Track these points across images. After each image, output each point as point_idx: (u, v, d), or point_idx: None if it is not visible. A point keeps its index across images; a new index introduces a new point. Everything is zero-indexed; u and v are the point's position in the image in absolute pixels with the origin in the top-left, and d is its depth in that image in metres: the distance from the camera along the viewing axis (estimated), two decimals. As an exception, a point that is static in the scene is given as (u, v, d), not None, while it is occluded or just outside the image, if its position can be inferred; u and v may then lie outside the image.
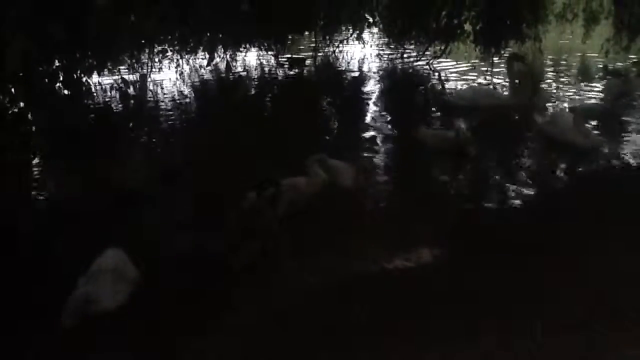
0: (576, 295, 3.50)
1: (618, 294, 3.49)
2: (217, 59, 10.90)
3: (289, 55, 11.39)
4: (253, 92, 9.86)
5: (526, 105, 7.57)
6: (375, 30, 12.98)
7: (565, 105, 7.91)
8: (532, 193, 5.33)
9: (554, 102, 8.27)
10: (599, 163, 6.03)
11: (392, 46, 12.12)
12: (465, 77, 10.02)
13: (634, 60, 10.35)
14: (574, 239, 4.25)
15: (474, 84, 9.23)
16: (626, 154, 6.17)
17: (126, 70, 9.56)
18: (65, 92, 6.20)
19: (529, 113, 7.14)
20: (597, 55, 10.70)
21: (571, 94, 8.74)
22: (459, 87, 9.22)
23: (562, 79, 9.87)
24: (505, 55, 9.66)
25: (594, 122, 6.90)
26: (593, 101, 8.31)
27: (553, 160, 6.20)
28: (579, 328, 3.16)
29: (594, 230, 4.37)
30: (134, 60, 9.38)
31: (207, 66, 10.68)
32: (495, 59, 10.10)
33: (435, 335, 3.21)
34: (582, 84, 9.30)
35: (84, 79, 6.89)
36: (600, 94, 8.70)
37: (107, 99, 8.83)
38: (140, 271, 3.79)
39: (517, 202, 5.17)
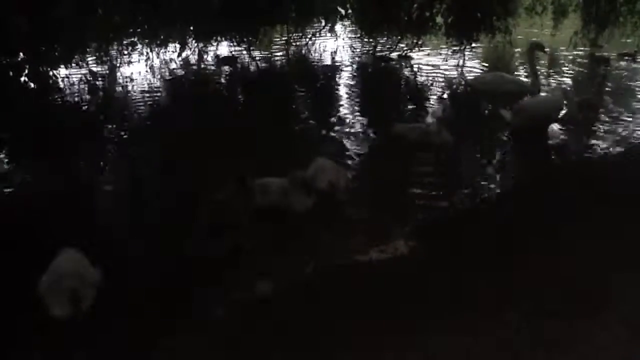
0: (545, 289, 3.53)
1: (586, 286, 3.53)
2: (188, 52, 10.74)
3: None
4: (221, 86, 9.69)
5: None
6: (347, 22, 12.95)
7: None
8: (504, 188, 5.37)
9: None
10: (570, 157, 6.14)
11: (364, 39, 12.10)
12: (437, 69, 10.07)
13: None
14: (544, 235, 4.28)
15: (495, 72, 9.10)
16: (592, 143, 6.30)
17: (94, 64, 9.36)
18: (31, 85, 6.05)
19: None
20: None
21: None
22: (431, 79, 9.29)
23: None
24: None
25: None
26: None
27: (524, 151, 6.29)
28: (549, 318, 3.19)
29: (563, 226, 4.39)
30: (102, 53, 9.19)
31: (177, 57, 10.53)
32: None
33: (406, 332, 3.19)
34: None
35: (50, 72, 6.73)
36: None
37: (74, 92, 8.60)
38: (102, 272, 3.61)
39: (491, 196, 5.20)
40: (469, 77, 9.04)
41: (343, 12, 11.76)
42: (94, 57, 9.40)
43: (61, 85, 8.49)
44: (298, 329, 3.29)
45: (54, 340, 3.25)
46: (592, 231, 4.23)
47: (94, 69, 9.10)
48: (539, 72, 7.65)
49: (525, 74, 7.82)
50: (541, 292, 3.49)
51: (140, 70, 9.96)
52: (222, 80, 9.82)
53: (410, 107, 8.02)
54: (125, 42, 9.51)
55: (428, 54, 11.10)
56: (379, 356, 3.02)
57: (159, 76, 9.86)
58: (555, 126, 6.71)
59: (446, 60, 10.51)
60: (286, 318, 3.42)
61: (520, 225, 4.50)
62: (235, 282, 3.86)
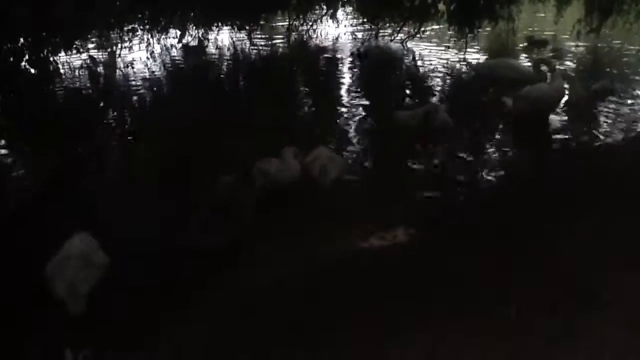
0: (546, 278, 3.52)
1: (587, 277, 3.53)
2: (189, 38, 10.72)
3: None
4: (220, 74, 9.65)
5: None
6: (349, 9, 12.89)
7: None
8: (505, 177, 5.36)
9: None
10: (571, 146, 6.12)
11: (366, 25, 12.05)
12: (439, 56, 10.04)
13: None
14: (545, 222, 4.27)
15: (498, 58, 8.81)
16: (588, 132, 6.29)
17: (95, 50, 9.34)
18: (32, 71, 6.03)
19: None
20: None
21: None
22: (433, 65, 9.26)
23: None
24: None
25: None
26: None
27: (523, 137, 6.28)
28: (550, 311, 3.20)
29: (563, 213, 4.38)
30: (103, 39, 9.17)
31: (178, 43, 10.50)
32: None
33: (405, 329, 3.19)
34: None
35: (51, 58, 6.71)
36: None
37: (75, 78, 8.59)
38: (110, 257, 3.61)
39: (491, 186, 5.19)
40: (471, 64, 9.00)
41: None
42: (95, 43, 9.38)
43: (61, 71, 8.48)
44: (297, 320, 3.29)
45: (55, 332, 3.26)
46: (592, 224, 4.21)
47: (95, 55, 9.07)
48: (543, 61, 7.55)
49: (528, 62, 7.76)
50: (541, 289, 3.47)
51: (140, 56, 9.94)
52: (224, 67, 9.79)
53: (411, 93, 7.98)
54: (125, 28, 9.47)
55: (430, 41, 11.04)
56: (379, 352, 3.03)
57: (159, 62, 9.84)
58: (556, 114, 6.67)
59: (448, 48, 10.46)
60: (285, 309, 3.42)
61: (519, 217, 4.47)
62: (236, 272, 3.86)
